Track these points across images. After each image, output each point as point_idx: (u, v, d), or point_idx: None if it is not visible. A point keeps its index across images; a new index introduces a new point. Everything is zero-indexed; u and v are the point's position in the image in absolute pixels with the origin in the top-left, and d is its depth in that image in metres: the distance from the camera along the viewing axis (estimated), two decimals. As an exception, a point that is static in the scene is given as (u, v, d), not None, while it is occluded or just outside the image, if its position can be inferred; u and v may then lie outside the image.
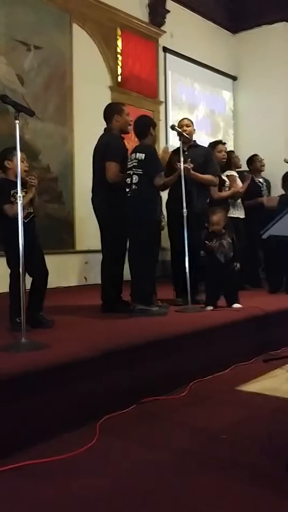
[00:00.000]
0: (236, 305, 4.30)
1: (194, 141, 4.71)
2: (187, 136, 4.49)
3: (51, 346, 2.79)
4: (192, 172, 4.29)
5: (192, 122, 4.78)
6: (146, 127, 4.05)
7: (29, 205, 3.42)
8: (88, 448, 2.28)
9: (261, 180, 6.24)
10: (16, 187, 2.92)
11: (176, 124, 4.63)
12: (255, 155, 6.35)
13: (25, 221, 3.25)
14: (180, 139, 4.36)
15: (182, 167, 4.16)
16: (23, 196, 3.15)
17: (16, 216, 2.95)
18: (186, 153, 4.43)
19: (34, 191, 3.40)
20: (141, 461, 2.20)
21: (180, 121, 4.79)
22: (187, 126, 4.67)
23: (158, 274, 4.69)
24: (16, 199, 2.94)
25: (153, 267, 4.02)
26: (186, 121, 4.74)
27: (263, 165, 6.29)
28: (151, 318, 3.74)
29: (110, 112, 4.21)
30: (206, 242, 4.31)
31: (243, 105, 9.34)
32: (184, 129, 4.54)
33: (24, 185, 3.31)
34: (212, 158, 4.78)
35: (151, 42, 7.62)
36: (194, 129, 4.80)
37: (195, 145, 4.70)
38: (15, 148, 2.97)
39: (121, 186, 3.99)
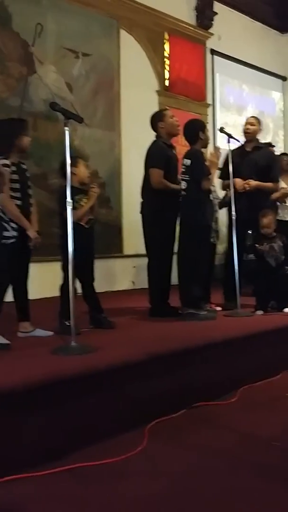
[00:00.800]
0: (287, 310, 4.21)
1: (257, 140, 4.58)
2: (235, 138, 4.42)
3: (100, 349, 2.81)
4: (252, 184, 4.25)
5: (258, 121, 4.64)
6: (194, 132, 4.02)
7: (90, 211, 3.53)
8: (137, 452, 2.27)
9: None
10: (79, 194, 2.99)
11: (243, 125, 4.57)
12: None
13: (87, 227, 3.45)
14: (228, 142, 4.30)
15: (231, 180, 4.17)
16: (85, 203, 3.31)
17: (77, 221, 3.07)
18: (250, 154, 4.33)
19: (95, 200, 3.51)
20: (190, 466, 2.19)
21: (247, 119, 4.68)
22: (251, 124, 4.55)
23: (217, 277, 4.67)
24: (78, 204, 2.99)
25: (202, 271, 3.99)
26: (251, 119, 4.63)
27: None
28: (200, 323, 3.70)
29: (154, 121, 4.22)
30: (256, 245, 4.24)
31: (293, 105, 9.17)
32: (247, 128, 4.47)
33: (86, 191, 3.44)
34: (276, 162, 4.68)
35: (198, 45, 7.59)
36: (260, 129, 4.65)
37: (259, 146, 4.58)
38: (78, 156, 3.04)
39: (168, 192, 4.00)
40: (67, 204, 2.98)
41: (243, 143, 4.59)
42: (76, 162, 3.41)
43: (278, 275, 4.23)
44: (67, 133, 2.95)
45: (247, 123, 4.59)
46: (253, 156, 4.33)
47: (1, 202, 3.11)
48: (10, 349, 2.91)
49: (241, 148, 4.55)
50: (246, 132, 4.58)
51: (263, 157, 4.53)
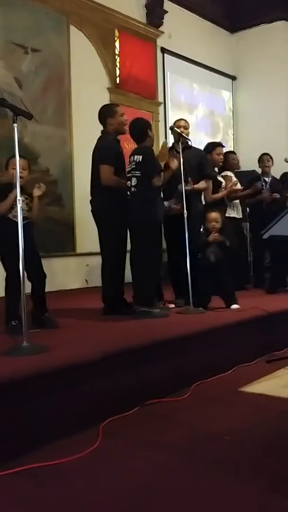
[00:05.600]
0: (234, 306, 4.28)
1: (187, 142, 4.54)
2: (186, 138, 4.43)
3: (53, 349, 2.79)
4: (190, 188, 4.30)
5: (188, 124, 4.65)
6: (142, 130, 4.02)
7: (26, 209, 3.49)
8: (91, 451, 2.27)
9: (266, 179, 6.10)
10: (14, 189, 2.97)
11: (173, 124, 4.58)
12: (263, 154, 6.23)
13: (15, 221, 3.34)
14: (179, 141, 4.30)
15: (182, 180, 4.17)
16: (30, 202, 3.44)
17: (4, 215, 3.21)
18: (181, 154, 4.36)
19: (37, 200, 3.56)
20: (144, 462, 2.19)
21: (177, 121, 4.65)
22: (185, 128, 4.54)
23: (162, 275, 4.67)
24: (17, 203, 2.94)
25: (155, 268, 4.00)
26: (183, 123, 4.60)
27: (267, 166, 6.15)
28: (153, 320, 3.72)
29: (103, 115, 4.19)
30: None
31: (243, 104, 9.32)
32: (181, 131, 4.49)
33: (23, 190, 3.39)
34: (207, 160, 4.74)
35: (149, 43, 7.60)
36: (189, 131, 4.66)
37: (189, 147, 4.55)
38: (23, 156, 3.03)
39: (118, 189, 3.98)
40: (17, 202, 2.93)
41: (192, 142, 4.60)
42: (10, 161, 3.42)
43: (219, 272, 4.26)
44: (15, 129, 2.90)
45: (181, 126, 4.53)
46: (183, 157, 4.28)
47: None
48: None
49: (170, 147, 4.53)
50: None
51: (193, 156, 4.51)
